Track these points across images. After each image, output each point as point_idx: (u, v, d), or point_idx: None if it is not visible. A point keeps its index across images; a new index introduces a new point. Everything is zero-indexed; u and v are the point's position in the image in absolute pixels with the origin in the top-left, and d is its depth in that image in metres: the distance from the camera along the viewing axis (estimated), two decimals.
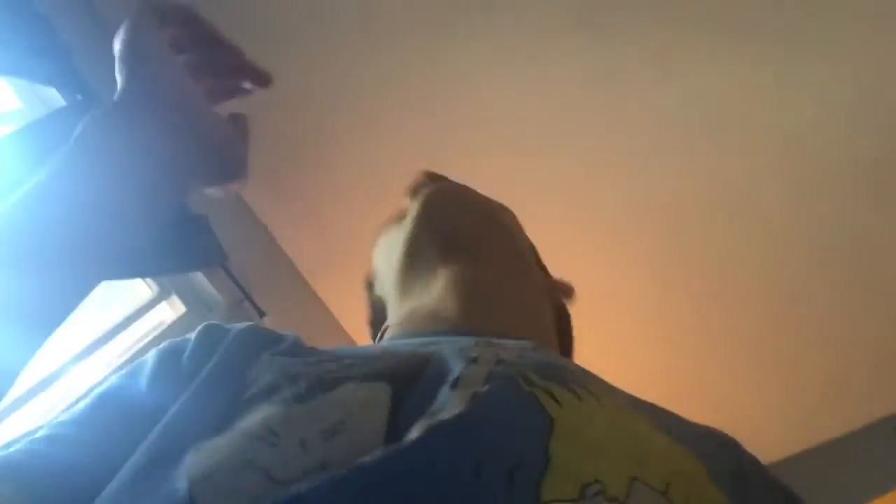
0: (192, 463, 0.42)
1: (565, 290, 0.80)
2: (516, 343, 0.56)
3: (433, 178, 0.76)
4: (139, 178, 0.50)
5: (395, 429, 0.41)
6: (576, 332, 0.79)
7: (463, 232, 0.70)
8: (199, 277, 1.76)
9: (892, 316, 2.47)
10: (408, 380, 0.46)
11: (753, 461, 0.56)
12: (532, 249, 0.81)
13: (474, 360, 0.49)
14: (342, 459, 0.39)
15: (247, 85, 0.62)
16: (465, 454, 0.39)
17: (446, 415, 0.41)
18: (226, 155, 0.56)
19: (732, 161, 2.09)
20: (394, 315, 0.72)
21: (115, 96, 0.52)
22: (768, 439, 2.85)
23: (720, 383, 2.65)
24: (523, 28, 1.82)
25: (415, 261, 0.69)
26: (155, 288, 1.70)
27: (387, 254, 0.75)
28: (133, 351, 1.50)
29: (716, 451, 0.53)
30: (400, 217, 0.75)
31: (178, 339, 0.57)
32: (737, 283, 2.37)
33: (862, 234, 2.25)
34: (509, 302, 0.68)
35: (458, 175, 0.78)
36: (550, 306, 0.77)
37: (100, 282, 0.49)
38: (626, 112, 1.99)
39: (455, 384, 0.45)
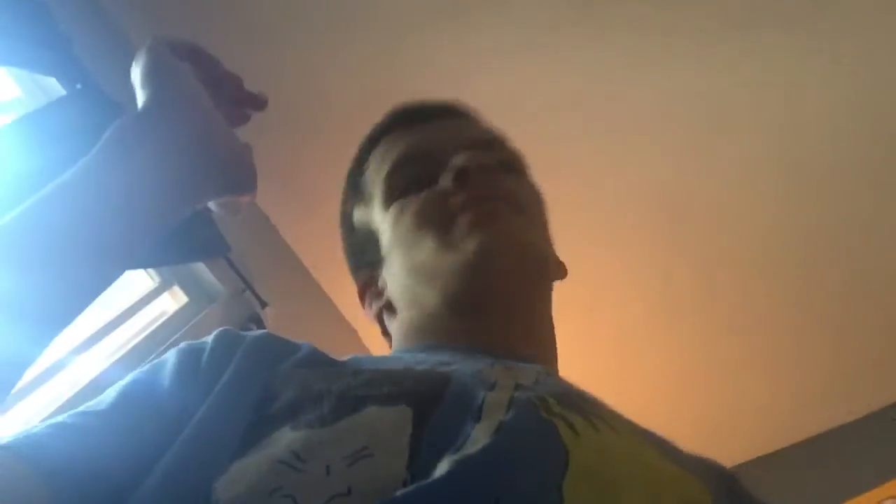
0: (221, 486, 0.43)
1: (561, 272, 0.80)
2: (531, 367, 0.57)
3: (479, 172, 0.69)
4: (161, 181, 0.52)
5: (417, 454, 0.42)
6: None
7: (509, 290, 0.66)
8: (200, 268, 1.75)
9: (892, 304, 2.47)
10: (429, 402, 0.47)
11: (750, 494, 0.57)
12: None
13: (493, 386, 0.49)
14: (367, 485, 0.40)
15: (248, 111, 0.65)
16: (487, 491, 0.39)
17: (472, 448, 0.42)
18: (241, 167, 0.59)
19: (733, 154, 2.09)
20: (404, 307, 0.71)
21: (143, 105, 0.54)
22: (769, 429, 2.86)
23: (720, 373, 2.65)
24: (525, 20, 1.81)
25: (452, 305, 0.67)
26: (157, 278, 1.70)
27: (408, 247, 0.69)
28: (135, 341, 1.50)
29: (717, 480, 0.54)
30: (434, 211, 0.68)
31: (195, 341, 0.58)
32: (737, 274, 2.37)
33: (862, 226, 2.25)
34: (528, 328, 0.67)
35: None
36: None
37: (118, 276, 0.51)
38: (627, 104, 1.98)
39: (478, 414, 0.45)
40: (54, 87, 1.48)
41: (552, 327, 0.72)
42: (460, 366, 0.53)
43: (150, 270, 1.69)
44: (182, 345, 0.58)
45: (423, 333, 0.67)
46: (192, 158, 0.54)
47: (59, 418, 0.50)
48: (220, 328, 0.59)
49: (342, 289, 2.29)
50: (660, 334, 2.52)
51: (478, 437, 0.43)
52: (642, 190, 2.14)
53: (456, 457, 0.41)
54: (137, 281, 1.68)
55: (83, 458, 0.48)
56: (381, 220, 0.74)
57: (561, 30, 1.83)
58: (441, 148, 0.73)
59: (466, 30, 1.83)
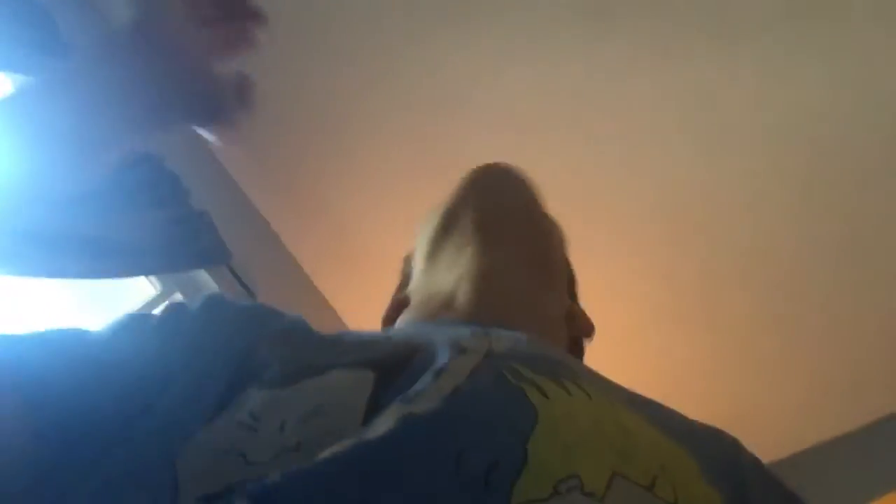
0: (185, 457, 0.42)
1: (586, 327, 0.78)
2: (511, 334, 0.56)
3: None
4: (127, 92, 0.55)
5: (373, 414, 0.42)
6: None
7: (499, 213, 0.69)
8: (202, 276, 1.75)
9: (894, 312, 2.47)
10: (394, 368, 0.46)
11: (754, 462, 0.56)
12: (569, 274, 0.80)
13: (463, 351, 0.49)
14: (317, 441, 0.40)
15: (249, 28, 0.62)
16: (441, 451, 0.39)
17: (421, 406, 0.41)
18: (203, 100, 0.59)
19: (736, 157, 2.09)
20: (416, 286, 0.72)
21: (117, 28, 0.58)
22: (775, 436, 2.85)
23: (723, 380, 2.65)
24: (529, 26, 1.81)
25: (447, 231, 0.70)
26: (158, 286, 1.70)
27: (425, 224, 0.74)
28: None
29: (713, 449, 0.53)
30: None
31: (180, 304, 0.57)
32: (741, 280, 2.36)
33: (867, 230, 2.24)
34: (521, 301, 0.67)
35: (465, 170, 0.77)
36: (566, 333, 0.76)
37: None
38: (629, 110, 1.98)
39: (438, 375, 0.45)
40: None
41: (553, 316, 0.72)
42: (438, 335, 0.53)
43: (153, 278, 1.69)
44: (169, 305, 0.57)
45: (425, 311, 0.68)
46: (150, 84, 0.55)
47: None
48: (210, 294, 0.58)
49: (343, 296, 2.29)
50: (662, 339, 2.51)
51: (429, 396, 0.42)
52: (645, 193, 2.14)
53: (403, 411, 0.40)
54: (139, 289, 1.68)
55: (70, 390, 0.46)
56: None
57: (561, 36, 1.83)
58: None
59: (466, 37, 1.83)
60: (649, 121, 2.00)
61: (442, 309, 0.66)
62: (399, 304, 0.74)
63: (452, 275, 0.67)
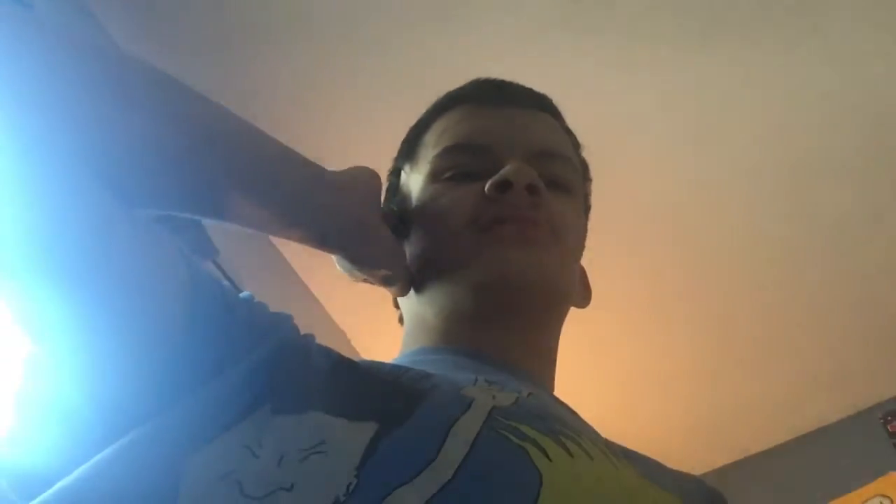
0: (189, 474, 0.43)
1: (585, 299, 0.80)
2: (516, 385, 0.56)
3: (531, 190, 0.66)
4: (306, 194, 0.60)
5: (369, 458, 0.43)
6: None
7: (521, 313, 0.67)
8: None
9: (878, 305, 2.49)
10: (396, 418, 0.47)
11: None
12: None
13: (469, 406, 0.49)
14: (311, 483, 0.41)
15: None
16: None
17: (441, 476, 0.42)
18: (367, 244, 0.63)
19: (722, 156, 2.10)
20: (413, 292, 0.70)
21: (340, 170, 0.65)
22: (757, 428, 2.88)
23: (708, 374, 2.67)
24: (511, 25, 1.81)
25: (460, 310, 0.67)
26: None
27: (431, 237, 0.68)
28: None
29: (702, 499, 0.56)
30: (467, 211, 0.66)
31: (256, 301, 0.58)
32: (726, 275, 2.38)
33: (849, 226, 2.27)
34: (529, 345, 0.67)
35: None
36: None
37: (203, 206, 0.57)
38: (615, 109, 1.98)
39: (443, 438, 0.45)
40: None
41: (555, 346, 0.71)
42: (443, 381, 0.53)
43: None
44: (247, 295, 0.58)
45: (426, 332, 0.67)
46: (337, 215, 0.60)
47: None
48: (286, 314, 0.58)
49: (331, 292, 2.29)
50: (648, 334, 2.53)
51: (445, 464, 0.43)
52: (630, 192, 2.15)
53: (426, 487, 0.41)
54: None
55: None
56: (418, 193, 0.71)
57: (547, 36, 1.83)
58: (501, 144, 0.70)
59: (452, 33, 1.82)
60: (636, 121, 2.01)
61: (441, 335, 0.66)
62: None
63: (450, 294, 0.66)
